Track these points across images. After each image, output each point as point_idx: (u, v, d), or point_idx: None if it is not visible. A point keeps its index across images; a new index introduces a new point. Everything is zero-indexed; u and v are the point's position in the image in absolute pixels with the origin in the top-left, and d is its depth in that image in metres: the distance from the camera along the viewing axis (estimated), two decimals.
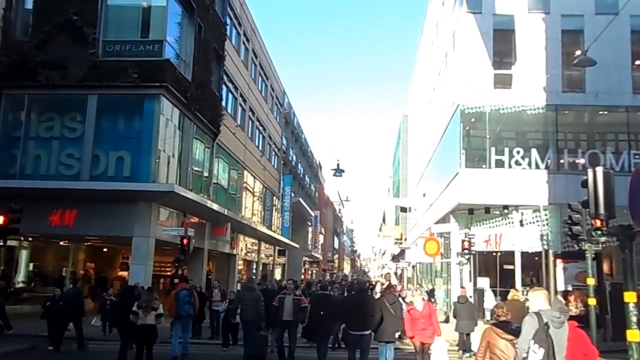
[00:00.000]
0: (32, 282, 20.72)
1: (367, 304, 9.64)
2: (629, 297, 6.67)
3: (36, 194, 15.88)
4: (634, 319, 6.58)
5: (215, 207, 20.62)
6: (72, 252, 22.93)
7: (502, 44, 21.30)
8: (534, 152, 20.54)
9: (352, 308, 9.58)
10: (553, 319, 4.87)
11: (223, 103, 23.96)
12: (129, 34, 17.71)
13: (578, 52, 18.81)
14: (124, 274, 21.29)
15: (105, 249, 24.17)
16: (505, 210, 20.92)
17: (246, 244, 30.01)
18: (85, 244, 22.71)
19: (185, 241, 16.12)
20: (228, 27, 24.74)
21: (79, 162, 16.86)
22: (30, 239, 19.88)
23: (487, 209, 21.02)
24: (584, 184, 9.01)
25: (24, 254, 20.83)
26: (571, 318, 5.70)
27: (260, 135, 33.00)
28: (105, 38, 17.40)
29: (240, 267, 29.30)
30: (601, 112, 21.32)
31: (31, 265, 21.37)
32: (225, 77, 24.25)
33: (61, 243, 22.02)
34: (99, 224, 16.63)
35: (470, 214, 21.63)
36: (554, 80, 20.35)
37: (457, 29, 22.42)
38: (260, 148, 32.56)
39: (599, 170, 8.80)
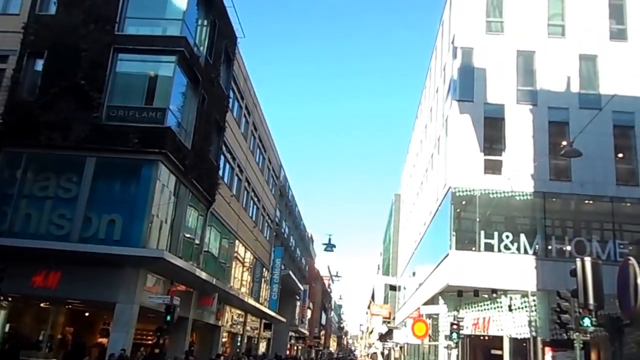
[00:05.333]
0: (6, 344, 19.91)
1: None
2: None
3: (22, 252, 15.64)
4: None
5: (204, 275, 20.35)
6: (52, 314, 22.16)
7: (493, 131, 22.14)
8: (522, 237, 20.75)
9: None
10: None
11: (220, 172, 24.31)
12: (134, 101, 18.08)
13: (564, 143, 19.59)
14: (104, 340, 20.60)
15: (86, 314, 23.38)
16: (494, 294, 20.81)
17: (232, 316, 29.27)
18: (67, 307, 22.06)
19: (170, 310, 15.73)
20: (230, 100, 25.58)
21: (70, 223, 16.75)
22: (10, 299, 19.35)
23: (476, 292, 20.89)
24: (573, 272, 9.10)
25: (1, 314, 20.18)
26: None
27: (255, 206, 33.17)
28: (110, 103, 17.77)
29: (224, 340, 28.40)
30: (587, 201, 21.80)
31: (7, 326, 20.63)
32: (224, 147, 24.75)
33: (42, 305, 21.39)
34: (83, 287, 16.29)
35: (459, 296, 21.47)
36: (541, 168, 21.00)
37: (449, 115, 23.35)
38: (253, 218, 32.63)
39: (587, 260, 8.94)
